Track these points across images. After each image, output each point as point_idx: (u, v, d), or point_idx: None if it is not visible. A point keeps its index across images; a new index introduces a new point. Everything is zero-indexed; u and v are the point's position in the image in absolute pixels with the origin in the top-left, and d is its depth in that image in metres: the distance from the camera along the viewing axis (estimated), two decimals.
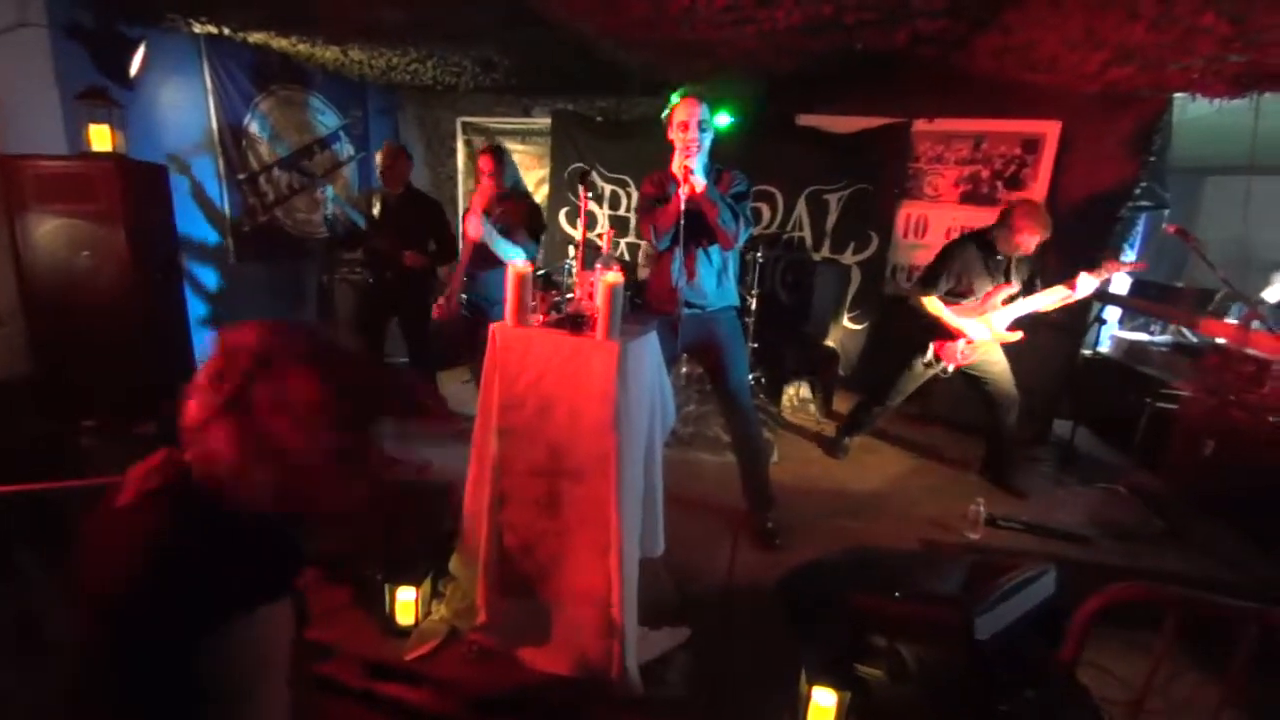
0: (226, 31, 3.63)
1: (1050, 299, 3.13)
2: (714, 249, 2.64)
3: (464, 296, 3.47)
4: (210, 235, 4.07)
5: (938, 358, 3.28)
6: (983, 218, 4.30)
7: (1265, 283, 4.65)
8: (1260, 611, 1.46)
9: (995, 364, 3.30)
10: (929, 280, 3.27)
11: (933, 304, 3.21)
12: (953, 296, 3.24)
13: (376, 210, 3.57)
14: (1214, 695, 1.76)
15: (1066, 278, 3.08)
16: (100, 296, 3.06)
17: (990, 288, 3.20)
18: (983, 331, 3.18)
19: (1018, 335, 3.23)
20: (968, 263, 3.21)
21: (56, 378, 3.07)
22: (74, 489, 1.89)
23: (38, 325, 3.09)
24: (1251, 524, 2.94)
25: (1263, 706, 1.99)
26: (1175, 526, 3.06)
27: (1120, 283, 4.96)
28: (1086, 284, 3.03)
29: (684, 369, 4.08)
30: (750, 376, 4.17)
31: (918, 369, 3.38)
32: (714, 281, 2.68)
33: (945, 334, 3.24)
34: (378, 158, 3.58)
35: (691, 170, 2.39)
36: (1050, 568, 1.84)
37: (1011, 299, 3.19)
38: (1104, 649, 2.08)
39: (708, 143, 2.47)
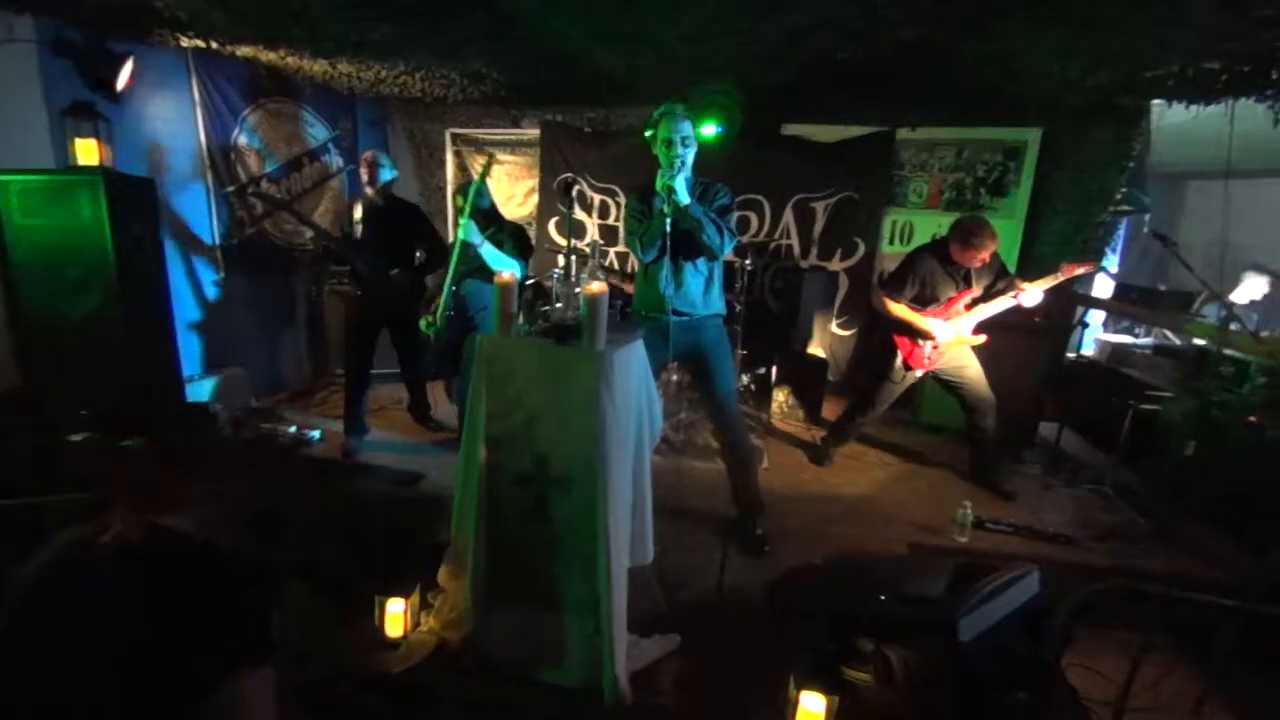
0: (214, 45, 3.64)
1: (1005, 305, 3.22)
2: (700, 258, 2.67)
3: (450, 312, 3.45)
4: (198, 248, 4.06)
5: (907, 364, 3.33)
6: None
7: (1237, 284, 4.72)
8: (1239, 607, 1.48)
9: (968, 369, 3.36)
10: (894, 285, 3.36)
11: (898, 307, 3.30)
12: (918, 304, 3.32)
13: (359, 219, 3.56)
14: (1199, 692, 1.78)
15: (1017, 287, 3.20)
16: (87, 310, 3.05)
17: (953, 293, 3.29)
18: (948, 332, 3.25)
19: (981, 338, 3.32)
20: (930, 270, 3.30)
21: (43, 391, 3.05)
22: (56, 503, 1.88)
23: (24, 338, 3.08)
24: (1235, 523, 2.98)
25: (1245, 701, 2.02)
26: (1160, 526, 3.09)
27: (1102, 286, 5.04)
28: (1031, 293, 3.14)
29: (674, 376, 4.10)
30: (740, 383, 4.20)
31: (894, 378, 3.42)
32: (701, 289, 2.71)
33: (911, 336, 3.30)
34: (363, 171, 3.55)
35: (674, 190, 2.43)
36: (1033, 568, 1.87)
37: (974, 304, 3.28)
38: (1091, 648, 2.10)
39: (690, 158, 2.51)
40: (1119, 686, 1.74)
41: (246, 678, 0.75)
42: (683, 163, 2.46)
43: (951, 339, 3.27)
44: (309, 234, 3.49)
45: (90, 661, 0.70)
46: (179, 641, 0.72)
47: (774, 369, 4.53)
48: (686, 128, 2.48)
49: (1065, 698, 1.90)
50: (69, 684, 0.69)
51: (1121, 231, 4.99)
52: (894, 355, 3.38)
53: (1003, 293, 3.26)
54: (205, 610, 0.74)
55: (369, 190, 3.54)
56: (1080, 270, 3.16)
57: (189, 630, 0.73)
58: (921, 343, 3.29)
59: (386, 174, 3.52)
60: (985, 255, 3.17)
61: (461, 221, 3.06)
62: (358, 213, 3.57)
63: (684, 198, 2.45)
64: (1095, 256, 4.32)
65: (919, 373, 3.37)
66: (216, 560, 0.79)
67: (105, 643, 0.70)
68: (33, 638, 0.69)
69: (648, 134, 2.54)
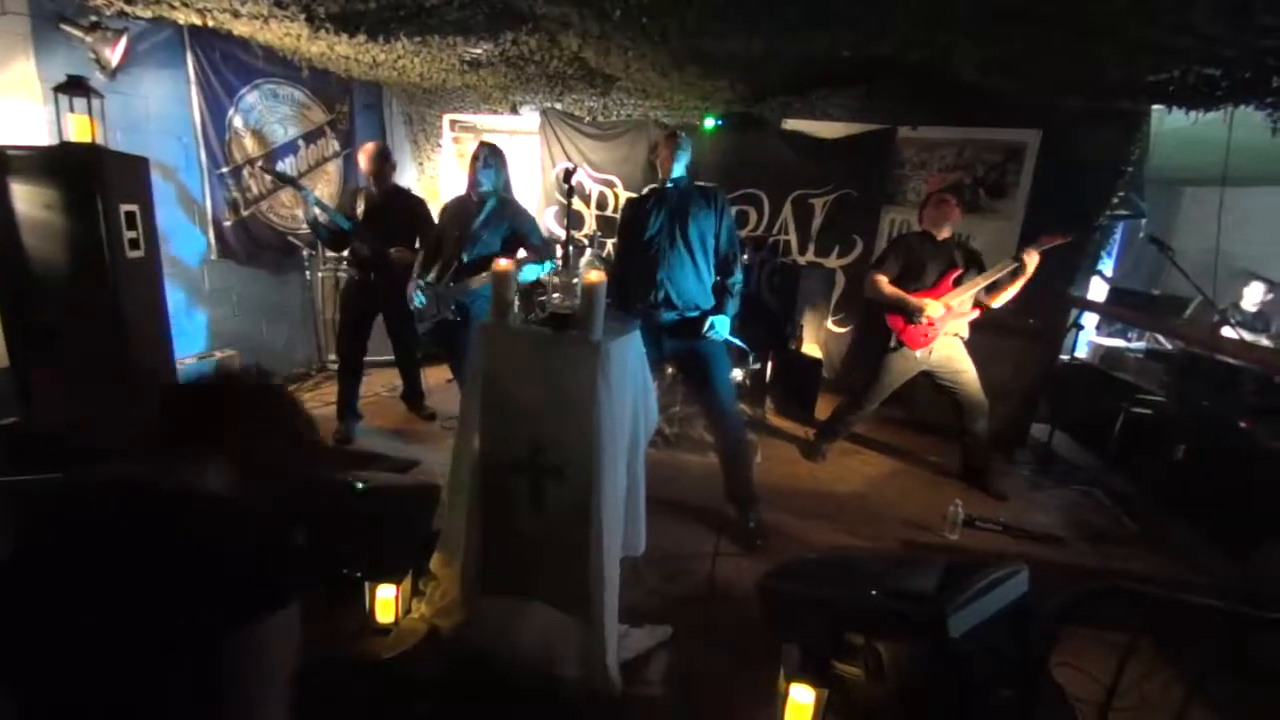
0: (211, 23, 3.59)
1: (999, 274, 3.26)
2: (699, 254, 2.68)
3: (454, 305, 3.44)
4: (191, 230, 4.01)
5: (901, 342, 3.35)
6: (966, 224, 4.38)
7: (1237, 291, 4.76)
8: (1222, 610, 1.50)
9: (963, 372, 3.37)
10: (881, 261, 3.47)
11: (886, 285, 3.35)
12: (908, 284, 3.35)
13: (361, 209, 3.54)
14: (1184, 692, 1.80)
15: (1032, 281, 3.24)
16: (77, 290, 3.01)
17: (940, 270, 3.33)
18: (940, 308, 3.28)
19: (976, 313, 3.37)
20: (915, 246, 3.40)
21: (30, 371, 3.01)
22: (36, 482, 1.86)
23: (13, 317, 3.04)
24: (1220, 528, 3.01)
25: (1229, 701, 2.04)
26: (1147, 529, 3.12)
27: (1097, 289, 5.06)
28: (1031, 259, 3.18)
29: (670, 369, 4.10)
30: (735, 378, 4.20)
31: (890, 368, 3.43)
32: (701, 288, 2.73)
33: (906, 316, 3.33)
34: (360, 160, 3.54)
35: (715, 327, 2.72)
36: (1023, 567, 1.88)
37: (961, 279, 3.32)
38: (1078, 648, 2.12)
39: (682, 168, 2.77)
40: (1105, 685, 1.76)
41: (266, 621, 0.78)
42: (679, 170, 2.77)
43: (945, 315, 3.29)
44: (311, 214, 3.44)
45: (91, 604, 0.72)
46: (179, 590, 0.75)
47: (769, 365, 4.53)
48: (686, 150, 2.77)
49: (1051, 696, 1.91)
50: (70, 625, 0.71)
51: (1117, 236, 5.00)
52: (889, 337, 3.41)
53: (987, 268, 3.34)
54: (204, 561, 0.78)
55: (373, 188, 3.53)
56: (1058, 240, 3.22)
57: (190, 579, 0.76)
58: (916, 320, 3.30)
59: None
60: (952, 216, 3.35)
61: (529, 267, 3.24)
62: (361, 201, 3.56)
63: (724, 333, 2.75)
64: (1091, 260, 4.34)
65: (919, 354, 3.36)
66: (220, 512, 0.82)
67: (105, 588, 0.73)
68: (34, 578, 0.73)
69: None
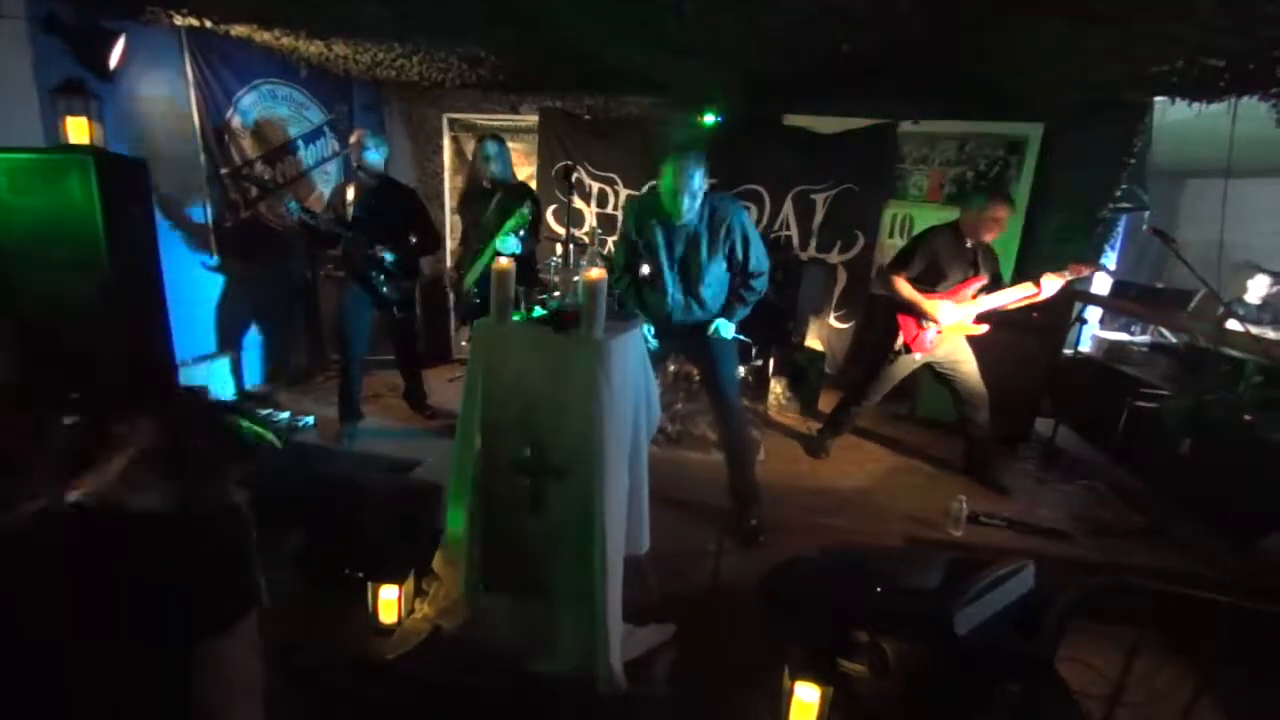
0: (209, 24, 3.58)
1: (1016, 295, 3.22)
2: (710, 277, 2.70)
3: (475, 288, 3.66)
4: (191, 231, 4.01)
5: (907, 347, 3.32)
6: None
7: (1241, 283, 4.74)
8: (1229, 604, 1.49)
9: (963, 363, 3.35)
10: (901, 261, 3.33)
11: (906, 287, 3.25)
12: (925, 285, 3.28)
13: (350, 202, 3.51)
14: (1191, 686, 1.79)
15: (1034, 278, 3.18)
16: (76, 293, 3.00)
17: (961, 277, 3.26)
18: (954, 316, 3.23)
19: (984, 328, 3.31)
20: (942, 247, 3.27)
21: (30, 375, 3.01)
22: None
23: (12, 321, 3.04)
24: (1226, 520, 3.00)
25: (1236, 695, 2.03)
26: (1153, 523, 3.10)
27: (1101, 283, 5.04)
28: (1050, 285, 3.12)
29: (672, 367, 4.09)
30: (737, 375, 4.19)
31: (892, 364, 3.41)
32: (709, 298, 2.75)
33: (917, 318, 3.29)
34: (352, 147, 3.50)
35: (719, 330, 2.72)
36: (1028, 563, 1.87)
37: (980, 292, 3.27)
38: (1083, 643, 2.11)
39: (697, 205, 2.56)
40: (1112, 680, 1.75)
41: (222, 636, 0.75)
42: (689, 208, 2.53)
43: (955, 324, 3.26)
44: (293, 216, 3.46)
45: (30, 646, 0.70)
46: (125, 614, 0.72)
47: (771, 361, 4.52)
48: (696, 179, 2.48)
49: (1058, 691, 1.90)
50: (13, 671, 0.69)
51: (1120, 229, 4.98)
52: (896, 336, 3.35)
53: (1003, 285, 3.26)
54: (147, 580, 0.75)
55: (360, 172, 3.51)
56: (1086, 271, 3.18)
57: (134, 601, 0.73)
58: (925, 325, 3.27)
59: (372, 155, 3.46)
60: (999, 221, 3.14)
61: (500, 236, 3.42)
62: (350, 194, 3.53)
63: (728, 335, 2.73)
64: (1094, 253, 4.32)
65: (918, 357, 3.34)
66: (154, 528, 0.80)
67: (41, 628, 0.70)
68: None
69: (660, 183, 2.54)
